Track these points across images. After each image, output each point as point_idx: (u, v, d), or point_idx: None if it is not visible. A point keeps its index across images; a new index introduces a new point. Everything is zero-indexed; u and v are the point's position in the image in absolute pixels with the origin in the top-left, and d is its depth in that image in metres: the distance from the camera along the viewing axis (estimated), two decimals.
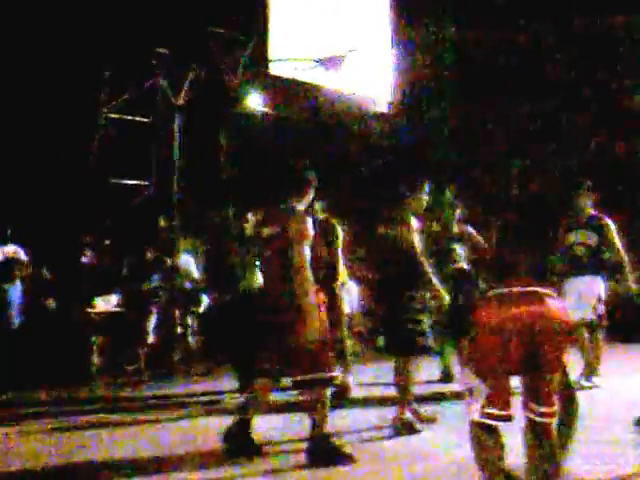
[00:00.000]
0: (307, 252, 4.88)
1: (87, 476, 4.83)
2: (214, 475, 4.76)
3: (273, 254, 4.93)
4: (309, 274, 4.85)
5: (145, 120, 12.77)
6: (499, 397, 3.50)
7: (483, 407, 3.51)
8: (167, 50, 11.91)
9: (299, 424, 5.46)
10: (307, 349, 4.72)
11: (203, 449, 5.40)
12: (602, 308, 7.31)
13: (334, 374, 4.91)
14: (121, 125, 12.51)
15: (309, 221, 4.96)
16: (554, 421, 3.54)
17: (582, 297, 7.12)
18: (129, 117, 12.49)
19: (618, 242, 7.26)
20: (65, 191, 11.52)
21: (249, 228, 7.80)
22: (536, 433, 3.56)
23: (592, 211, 7.38)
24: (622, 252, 7.24)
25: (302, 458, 4.88)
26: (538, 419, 3.52)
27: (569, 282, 7.14)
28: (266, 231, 4.99)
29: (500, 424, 3.52)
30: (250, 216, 7.58)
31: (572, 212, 7.36)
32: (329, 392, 4.86)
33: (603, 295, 7.33)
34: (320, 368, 4.76)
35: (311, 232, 4.91)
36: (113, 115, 12.56)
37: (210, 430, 6.04)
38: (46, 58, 11.66)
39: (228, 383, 8.47)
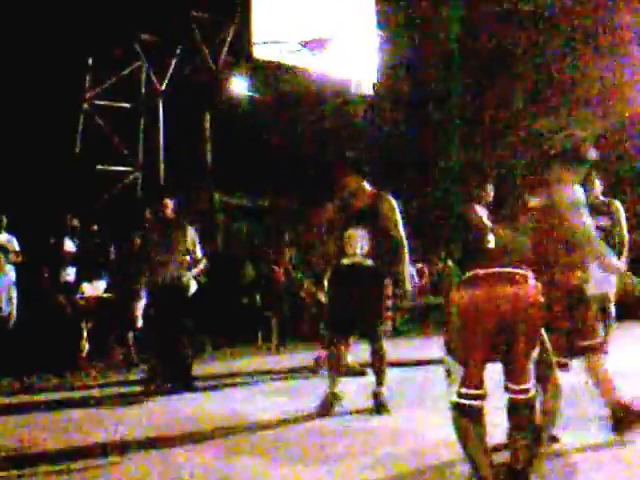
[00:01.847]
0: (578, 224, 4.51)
1: (80, 459, 4.78)
2: (205, 455, 4.78)
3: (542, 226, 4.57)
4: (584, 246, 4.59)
5: (129, 106, 12.77)
6: (473, 376, 3.53)
7: (459, 387, 3.55)
8: (150, 36, 11.91)
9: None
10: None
11: (193, 430, 5.44)
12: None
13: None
14: (105, 111, 12.50)
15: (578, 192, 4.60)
16: (531, 397, 3.57)
17: (601, 274, 7.78)
18: (113, 103, 12.49)
19: (624, 224, 7.93)
20: (51, 178, 11.51)
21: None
22: (515, 411, 3.60)
23: (601, 197, 7.97)
24: (625, 233, 7.91)
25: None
26: (516, 396, 3.56)
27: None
28: (533, 202, 4.79)
29: (482, 405, 3.55)
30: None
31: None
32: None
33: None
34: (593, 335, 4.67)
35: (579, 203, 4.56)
36: (97, 101, 12.55)
37: (200, 410, 6.11)
38: (30, 46, 11.63)
39: (216, 365, 8.58)
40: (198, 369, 8.36)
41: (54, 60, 11.82)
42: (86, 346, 8.82)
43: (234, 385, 7.36)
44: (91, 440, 5.28)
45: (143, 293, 9.25)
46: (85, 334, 8.87)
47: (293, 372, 7.90)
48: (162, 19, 11.82)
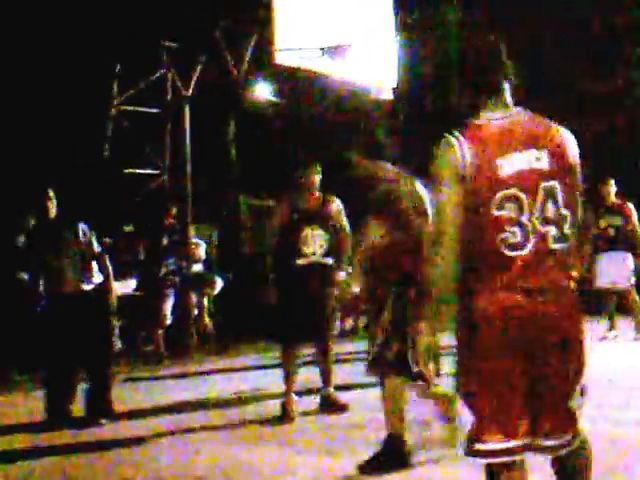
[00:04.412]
0: None
1: (107, 453, 5.07)
2: (232, 449, 5.01)
3: None
4: None
5: (156, 111, 13.09)
6: (496, 422, 2.53)
7: (472, 438, 2.56)
8: (175, 43, 12.21)
9: None
10: None
11: (220, 423, 5.71)
12: (633, 279, 8.98)
13: None
14: (133, 116, 12.82)
15: None
16: (577, 445, 2.60)
17: (616, 269, 8.83)
18: (140, 108, 12.80)
19: (637, 223, 9.01)
20: (81, 182, 11.86)
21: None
22: (562, 469, 2.69)
23: (614, 199, 9.07)
24: (638, 230, 8.98)
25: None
26: (555, 453, 2.62)
27: (604, 257, 8.92)
28: None
29: (519, 460, 2.58)
30: None
31: (600, 200, 9.02)
32: None
33: (632, 267, 8.96)
34: None
35: None
36: (125, 107, 12.87)
37: (225, 405, 6.39)
38: (60, 54, 11.96)
39: (242, 361, 8.84)
40: (225, 364, 8.67)
41: (83, 68, 12.17)
42: (117, 342, 9.14)
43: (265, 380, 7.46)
44: (121, 432, 5.59)
45: (170, 292, 9.61)
46: (116, 331, 9.19)
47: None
48: (187, 27, 12.11)
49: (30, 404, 6.62)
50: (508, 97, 2.68)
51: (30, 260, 6.34)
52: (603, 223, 8.96)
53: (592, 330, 8.44)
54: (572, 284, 2.61)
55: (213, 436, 5.35)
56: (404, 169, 4.68)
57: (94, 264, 6.02)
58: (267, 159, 13.09)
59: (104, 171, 12.41)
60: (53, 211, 5.94)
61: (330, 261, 5.74)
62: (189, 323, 9.64)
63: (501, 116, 2.63)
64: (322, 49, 11.47)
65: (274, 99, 13.09)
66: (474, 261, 2.57)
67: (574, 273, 2.66)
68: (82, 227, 5.97)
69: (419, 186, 4.44)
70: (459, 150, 2.54)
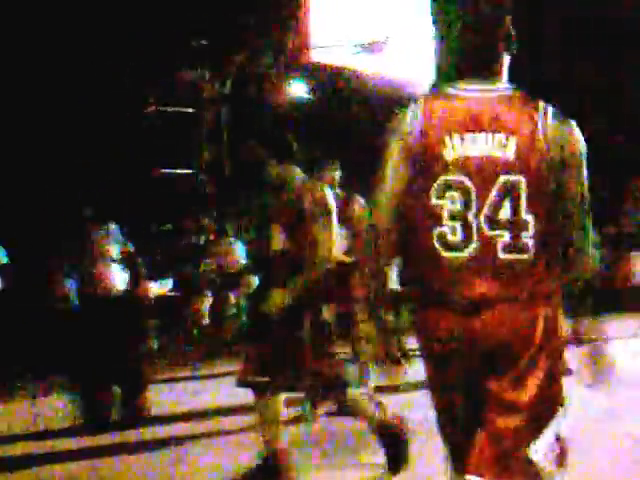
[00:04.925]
0: None
1: (141, 455, 5.10)
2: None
3: None
4: None
5: (193, 111, 13.12)
6: (456, 458, 2.17)
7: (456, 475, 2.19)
8: (210, 43, 12.22)
9: None
10: None
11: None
12: None
13: None
14: (167, 117, 12.86)
15: None
16: None
17: None
18: (177, 108, 12.84)
19: None
20: (117, 182, 11.92)
21: None
22: None
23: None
24: None
25: None
26: None
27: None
28: None
29: None
30: None
31: (631, 198, 9.02)
32: None
33: None
34: None
35: None
36: (160, 107, 12.92)
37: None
38: (94, 56, 12.05)
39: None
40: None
41: (117, 69, 12.25)
42: (154, 343, 9.15)
43: None
44: (161, 429, 5.63)
45: (207, 292, 9.60)
46: (152, 332, 9.19)
47: None
48: (222, 26, 12.12)
49: (67, 406, 6.63)
50: (503, 71, 2.21)
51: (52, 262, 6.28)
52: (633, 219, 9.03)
53: (624, 327, 8.36)
54: (543, 303, 2.06)
55: (250, 438, 5.27)
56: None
57: (126, 265, 5.95)
58: (302, 157, 13.03)
59: (139, 171, 12.46)
60: (84, 213, 5.91)
61: (349, 260, 5.60)
62: (226, 322, 9.62)
63: (477, 88, 2.15)
64: (358, 46, 11.41)
65: (310, 97, 13.02)
66: (410, 263, 2.15)
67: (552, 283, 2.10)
68: (113, 227, 5.92)
69: (327, 194, 4.27)
70: (411, 120, 2.12)
